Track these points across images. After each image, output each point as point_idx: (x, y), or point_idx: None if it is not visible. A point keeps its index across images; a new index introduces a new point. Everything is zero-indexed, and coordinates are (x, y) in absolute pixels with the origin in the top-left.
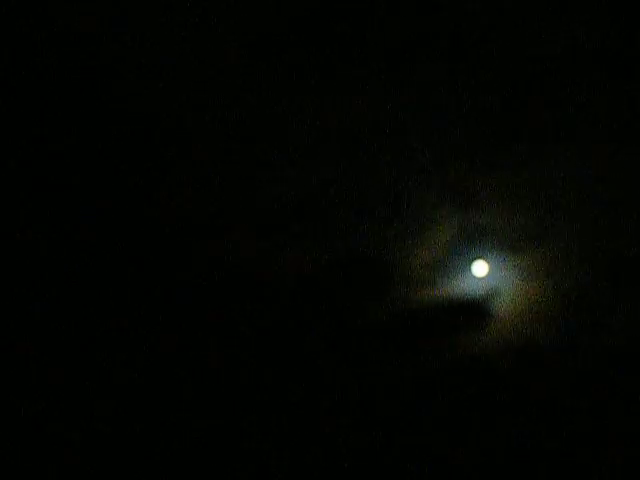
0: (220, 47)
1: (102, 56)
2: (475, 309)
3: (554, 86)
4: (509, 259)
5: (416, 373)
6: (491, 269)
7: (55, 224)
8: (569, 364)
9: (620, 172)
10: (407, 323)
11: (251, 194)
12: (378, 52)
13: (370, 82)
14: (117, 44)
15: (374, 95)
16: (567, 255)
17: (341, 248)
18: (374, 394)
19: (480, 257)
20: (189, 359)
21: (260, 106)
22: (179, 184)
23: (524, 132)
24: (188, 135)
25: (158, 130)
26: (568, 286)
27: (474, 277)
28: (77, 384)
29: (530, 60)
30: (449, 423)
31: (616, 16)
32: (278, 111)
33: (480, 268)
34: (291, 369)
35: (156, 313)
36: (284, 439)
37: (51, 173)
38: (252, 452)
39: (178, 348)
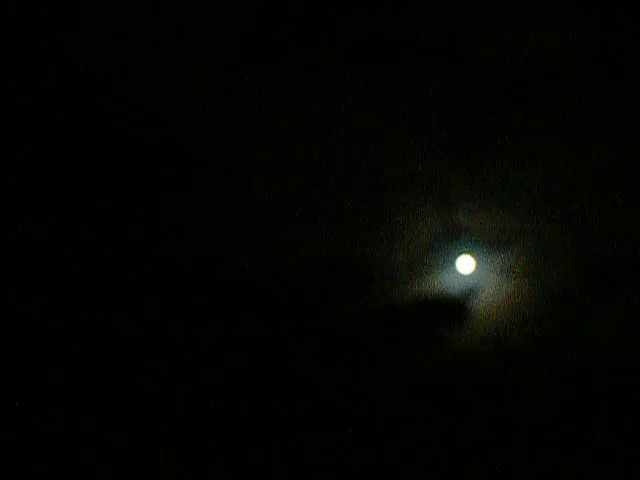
0: (200, 47)
1: (98, 56)
2: (455, 307)
3: (536, 85)
4: (490, 257)
5: (397, 371)
6: (472, 267)
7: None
8: (549, 363)
9: (602, 172)
10: (387, 321)
11: (232, 193)
12: (358, 50)
13: (350, 81)
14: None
15: (354, 95)
16: (548, 254)
17: (320, 247)
18: (355, 392)
19: (460, 255)
20: (173, 362)
21: (241, 104)
22: (160, 184)
23: (506, 131)
24: (168, 134)
25: (138, 127)
26: (549, 285)
27: (454, 275)
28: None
29: (513, 58)
30: (430, 421)
31: (598, 17)
32: (260, 110)
33: (460, 266)
34: (270, 369)
35: (139, 315)
36: (267, 439)
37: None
38: (238, 451)
39: (162, 351)
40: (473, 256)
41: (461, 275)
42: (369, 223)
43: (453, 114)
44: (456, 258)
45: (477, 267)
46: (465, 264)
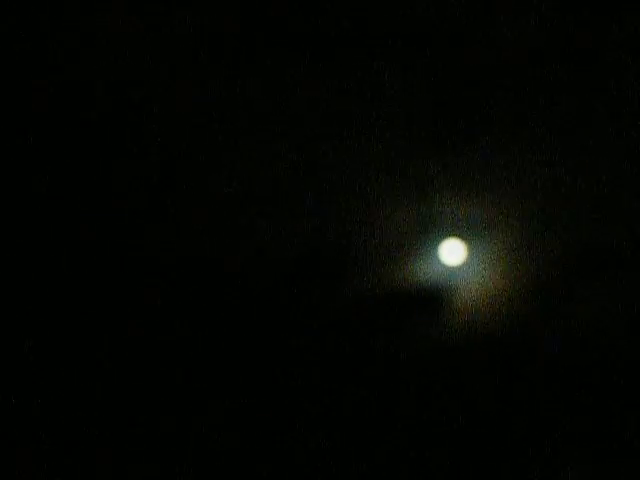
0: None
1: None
2: (434, 298)
3: (511, 76)
4: (472, 247)
5: (376, 364)
6: (453, 257)
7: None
8: (530, 355)
9: (580, 163)
10: (365, 314)
11: (204, 187)
12: (332, 40)
13: (324, 70)
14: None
15: (332, 86)
16: (531, 243)
17: (299, 238)
18: (335, 385)
19: (439, 246)
20: (162, 358)
21: (219, 95)
22: (132, 172)
23: (488, 119)
24: (140, 123)
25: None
26: (533, 275)
27: (436, 265)
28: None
29: (491, 47)
30: (413, 414)
31: (569, 12)
32: (241, 103)
33: (442, 255)
34: (246, 363)
35: (120, 310)
36: (243, 434)
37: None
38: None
39: (143, 346)
40: (455, 245)
41: (443, 265)
42: (348, 214)
43: (433, 103)
44: (437, 247)
45: (459, 256)
46: (447, 253)
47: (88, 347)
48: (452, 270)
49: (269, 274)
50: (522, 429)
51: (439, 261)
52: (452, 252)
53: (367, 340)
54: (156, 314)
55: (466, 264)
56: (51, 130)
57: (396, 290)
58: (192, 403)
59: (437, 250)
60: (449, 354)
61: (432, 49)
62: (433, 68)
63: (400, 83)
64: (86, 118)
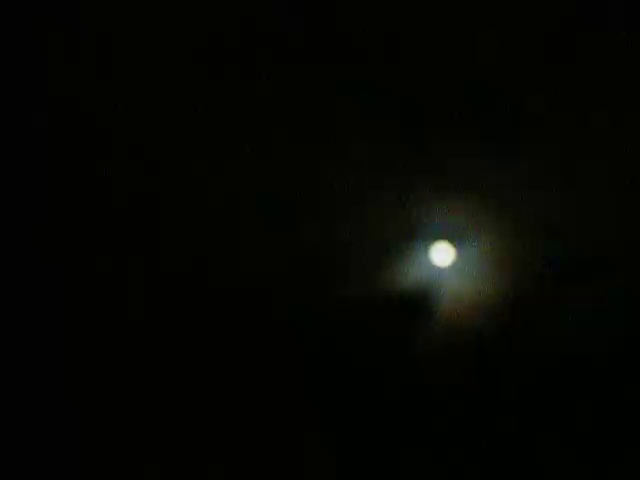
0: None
1: None
2: (415, 304)
3: (501, 82)
4: (451, 254)
5: (367, 367)
6: (439, 260)
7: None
8: (508, 361)
9: (568, 171)
10: (352, 321)
11: (194, 194)
12: (320, 42)
13: (317, 76)
14: None
15: (316, 94)
16: (511, 250)
17: (284, 248)
18: (323, 389)
19: (421, 252)
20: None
21: (207, 103)
22: (121, 179)
23: (474, 126)
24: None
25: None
26: (510, 283)
27: (421, 268)
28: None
29: (482, 52)
30: (402, 418)
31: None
32: (221, 107)
33: (422, 263)
34: (240, 368)
35: (101, 324)
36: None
37: None
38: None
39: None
40: (443, 248)
41: (431, 267)
42: (338, 218)
43: (423, 108)
44: (416, 256)
45: (447, 259)
46: (435, 256)
47: (68, 360)
48: (440, 272)
49: (256, 279)
50: (507, 430)
51: (428, 263)
52: (441, 255)
53: (357, 342)
54: (154, 321)
55: (454, 266)
56: (50, 131)
57: (385, 292)
58: (185, 413)
59: (426, 253)
60: (437, 355)
61: (421, 53)
62: (424, 73)
63: (391, 90)
64: (81, 119)
